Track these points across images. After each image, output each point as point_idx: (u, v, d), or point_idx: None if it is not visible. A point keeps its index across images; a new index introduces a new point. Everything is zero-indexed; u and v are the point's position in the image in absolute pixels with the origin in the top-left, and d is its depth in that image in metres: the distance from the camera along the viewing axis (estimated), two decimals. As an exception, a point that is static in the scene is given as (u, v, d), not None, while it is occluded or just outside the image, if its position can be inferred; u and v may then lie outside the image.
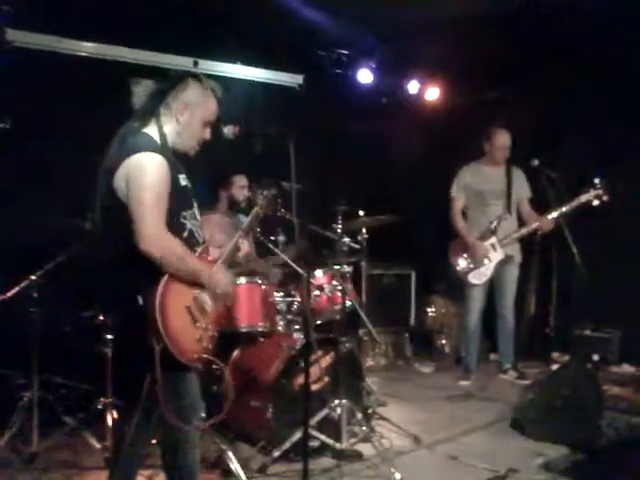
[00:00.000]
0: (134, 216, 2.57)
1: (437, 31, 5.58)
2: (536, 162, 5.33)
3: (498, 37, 5.60)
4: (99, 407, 4.16)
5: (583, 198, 5.37)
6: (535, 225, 5.53)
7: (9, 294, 3.88)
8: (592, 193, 5.35)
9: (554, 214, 5.39)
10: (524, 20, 5.38)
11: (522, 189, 5.81)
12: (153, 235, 2.55)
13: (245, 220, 3.97)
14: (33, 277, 4.00)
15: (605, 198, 5.32)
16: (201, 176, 3.07)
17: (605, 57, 5.78)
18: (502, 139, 5.69)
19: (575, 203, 5.39)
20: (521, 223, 5.79)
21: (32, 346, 4.04)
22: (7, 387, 4.34)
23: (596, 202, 5.34)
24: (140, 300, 2.57)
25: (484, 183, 5.77)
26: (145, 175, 2.58)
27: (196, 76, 2.88)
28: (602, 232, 5.75)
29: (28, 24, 5.16)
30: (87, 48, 5.53)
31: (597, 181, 5.34)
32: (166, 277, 2.59)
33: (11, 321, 4.10)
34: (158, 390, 2.57)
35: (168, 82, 2.85)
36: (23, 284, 3.97)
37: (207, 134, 2.91)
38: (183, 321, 2.65)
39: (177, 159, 2.86)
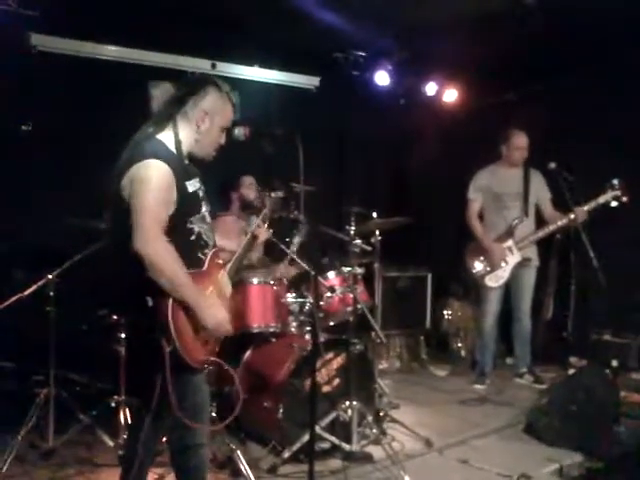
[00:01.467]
0: (133, 218, 2.58)
1: (455, 32, 5.56)
2: (553, 165, 5.27)
3: (517, 37, 5.55)
4: (113, 405, 4.19)
5: (601, 199, 5.32)
6: (567, 219, 5.41)
7: (27, 292, 3.92)
8: (610, 194, 5.30)
9: (587, 207, 5.33)
10: (543, 20, 5.32)
11: (541, 191, 5.77)
12: (146, 236, 2.55)
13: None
14: (50, 276, 4.04)
15: (624, 199, 5.26)
16: (213, 179, 3.09)
17: (626, 58, 5.73)
18: (519, 140, 5.66)
19: (593, 204, 5.33)
20: (539, 226, 5.74)
21: (48, 343, 4.10)
22: (24, 383, 4.42)
23: (614, 203, 5.29)
24: (150, 301, 2.58)
25: (501, 185, 5.73)
26: (149, 180, 2.60)
27: (214, 82, 2.88)
28: (622, 235, 5.69)
29: (51, 28, 5.24)
30: (108, 52, 5.60)
31: (615, 182, 5.29)
32: None
33: (29, 319, 4.16)
34: (168, 391, 2.58)
35: (187, 88, 2.87)
36: (40, 283, 4.01)
37: (223, 139, 2.93)
38: (192, 323, 2.66)
39: (191, 163, 2.88)
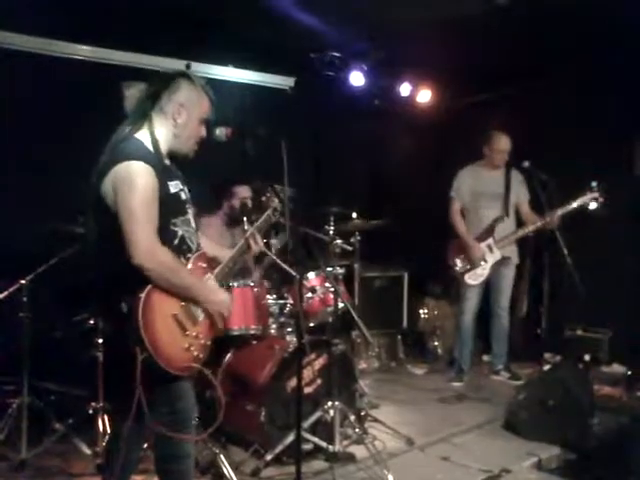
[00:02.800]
0: (125, 229, 2.54)
1: (429, 33, 5.58)
2: (527, 164, 5.34)
3: (490, 39, 5.60)
4: (90, 412, 4.12)
5: (580, 201, 5.37)
6: (541, 223, 5.49)
7: (-2, 298, 3.85)
8: (589, 196, 5.35)
9: (560, 211, 5.38)
10: (516, 21, 5.37)
11: (521, 192, 5.84)
12: (147, 250, 2.53)
13: (247, 225, 3.95)
14: (23, 281, 3.97)
15: (601, 201, 5.32)
16: (198, 180, 3.05)
17: (601, 59, 5.81)
18: (501, 143, 5.72)
19: (572, 206, 5.39)
20: (519, 225, 5.82)
21: (22, 351, 4.01)
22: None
23: (593, 205, 5.34)
24: (124, 308, 2.55)
25: (482, 185, 5.80)
26: (133, 186, 2.55)
27: (187, 75, 2.85)
28: (592, 233, 5.77)
29: (18, 25, 5.14)
30: (79, 51, 5.50)
31: (594, 184, 5.34)
32: (150, 285, 2.55)
33: (2, 325, 4.08)
34: (141, 399, 2.54)
35: (159, 83, 2.81)
36: (12, 288, 3.94)
37: (203, 132, 2.89)
38: (169, 329, 2.61)
39: (173, 164, 2.86)
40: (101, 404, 4.11)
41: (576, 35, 5.43)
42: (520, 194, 5.84)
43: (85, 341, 4.22)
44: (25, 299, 4.00)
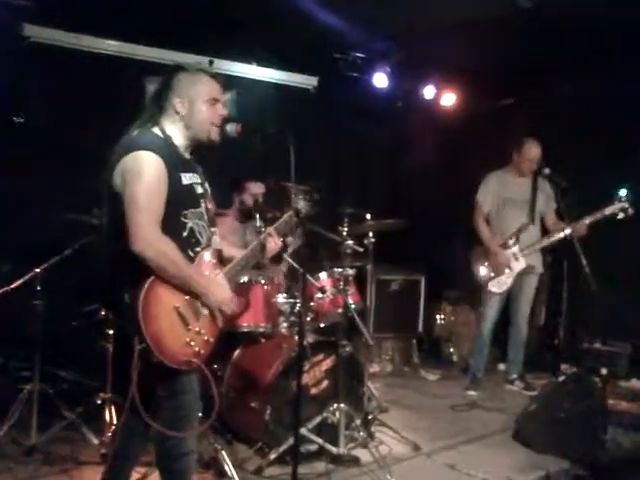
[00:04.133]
0: (128, 217, 2.55)
1: (454, 35, 5.53)
2: (547, 171, 5.25)
3: (515, 41, 5.54)
4: (98, 402, 4.16)
5: (607, 211, 5.24)
6: (563, 233, 5.38)
7: (12, 286, 3.90)
8: (617, 206, 5.20)
9: (589, 220, 5.28)
10: (541, 24, 5.31)
11: (548, 200, 5.74)
12: (147, 238, 2.53)
13: (260, 222, 3.93)
14: (37, 270, 4.01)
15: (630, 212, 5.18)
16: (211, 177, 3.05)
17: (626, 64, 5.70)
18: (532, 152, 5.61)
19: (599, 215, 5.27)
20: (544, 234, 5.73)
21: (34, 339, 4.06)
22: (9, 379, 4.36)
23: (621, 215, 5.20)
24: (127, 298, 2.55)
25: (509, 192, 5.71)
26: (140, 175, 2.57)
27: (180, 67, 2.84)
28: (614, 244, 5.67)
29: (46, 20, 5.20)
30: (104, 45, 5.56)
31: (623, 194, 5.22)
32: (153, 276, 2.55)
33: (15, 313, 4.13)
34: (134, 391, 2.53)
35: (160, 84, 2.84)
36: (27, 276, 3.98)
37: (220, 110, 2.86)
38: (170, 322, 2.60)
39: (192, 158, 2.87)
40: (109, 395, 4.14)
41: (604, 37, 5.34)
42: (547, 202, 5.74)
43: (96, 332, 4.26)
44: (39, 288, 4.04)
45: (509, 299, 5.82)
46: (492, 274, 5.65)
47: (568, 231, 5.35)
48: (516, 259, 5.63)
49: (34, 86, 5.05)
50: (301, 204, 3.38)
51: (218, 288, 2.80)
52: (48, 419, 4.11)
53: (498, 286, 5.66)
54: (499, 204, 5.75)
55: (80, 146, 5.13)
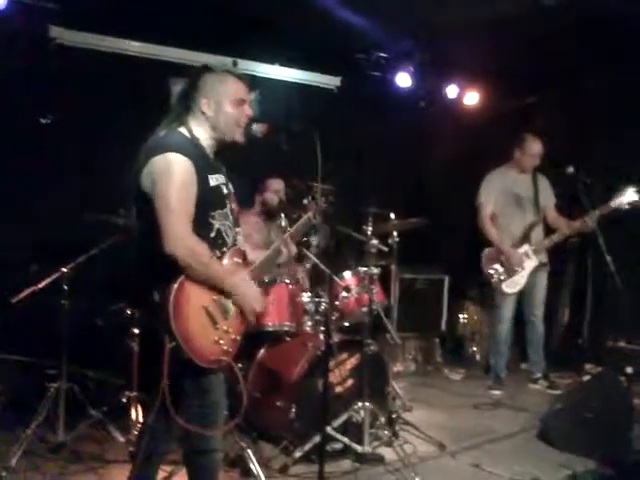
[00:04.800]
0: (160, 218, 2.57)
1: (476, 34, 5.53)
2: (571, 169, 5.20)
3: (538, 41, 5.52)
4: (124, 401, 4.21)
5: (613, 203, 5.19)
6: (578, 225, 5.36)
7: (40, 285, 3.94)
8: (622, 199, 5.16)
9: (598, 212, 5.23)
10: (563, 23, 5.28)
11: (548, 196, 5.74)
12: (178, 238, 2.55)
13: (285, 222, 3.94)
14: (64, 269, 4.06)
15: (636, 204, 5.13)
16: (236, 177, 3.07)
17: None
18: (535, 147, 5.62)
19: (606, 208, 5.22)
20: (547, 230, 5.70)
21: (61, 337, 4.11)
22: (37, 377, 4.41)
23: (627, 207, 5.16)
24: (156, 296, 2.57)
25: (513, 189, 5.69)
26: (170, 176, 2.58)
27: (207, 68, 2.85)
28: (637, 239, 5.63)
29: (71, 21, 5.26)
30: (130, 47, 5.62)
31: (627, 188, 5.17)
32: (183, 276, 2.57)
33: (43, 312, 4.17)
34: (165, 391, 2.55)
35: (187, 85, 2.84)
36: (54, 276, 4.02)
37: (247, 111, 2.88)
38: (200, 321, 2.62)
39: (218, 159, 2.89)
40: (135, 393, 4.19)
41: (624, 37, 5.30)
42: (548, 198, 5.73)
43: (122, 330, 4.30)
44: (66, 287, 4.09)
45: (522, 298, 5.78)
46: (505, 275, 5.61)
47: (578, 225, 5.34)
48: (528, 257, 5.61)
49: (60, 87, 5.10)
50: (319, 204, 3.39)
51: (248, 287, 2.82)
52: (75, 417, 4.16)
53: (512, 286, 5.63)
54: (505, 202, 5.71)
55: (106, 147, 5.18)
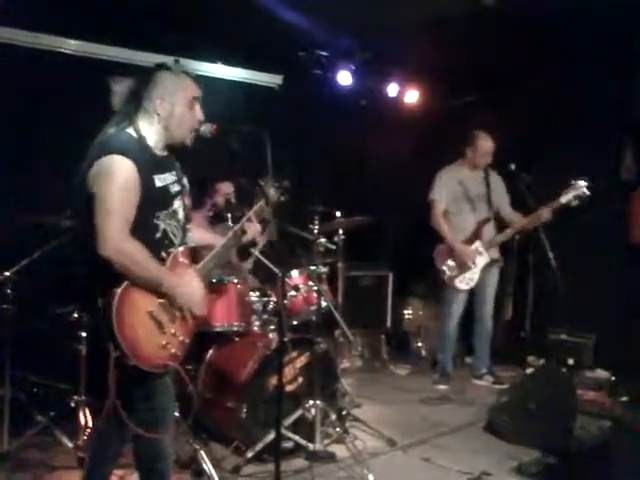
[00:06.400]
0: (97, 219, 2.53)
1: (417, 33, 5.58)
2: (513, 166, 5.27)
3: (477, 40, 5.61)
4: (72, 405, 4.11)
5: (563, 199, 5.27)
6: (530, 219, 5.37)
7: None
8: (572, 194, 5.25)
9: (551, 205, 5.29)
10: (503, 22, 5.39)
11: (502, 193, 5.81)
12: (114, 240, 2.50)
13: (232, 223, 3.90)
14: (7, 273, 3.95)
15: (585, 197, 5.20)
16: (188, 177, 3.03)
17: (589, 59, 5.81)
18: (486, 145, 5.68)
19: (556, 204, 5.30)
20: (500, 226, 5.79)
21: (5, 343, 3.98)
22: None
23: (575, 202, 5.25)
24: (100, 303, 2.53)
25: (465, 186, 5.75)
26: (111, 178, 2.54)
27: (163, 66, 2.82)
28: (578, 237, 5.79)
29: (6, 19, 5.10)
30: (67, 45, 5.48)
31: (579, 182, 5.23)
32: (126, 282, 2.53)
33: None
34: (114, 399, 2.53)
35: (139, 82, 2.80)
36: (-3, 280, 3.91)
37: (199, 114, 2.86)
38: (145, 327, 2.58)
39: (170, 156, 2.85)
40: (83, 397, 4.09)
41: (562, 36, 5.45)
42: (501, 195, 5.81)
43: (68, 334, 4.19)
44: (9, 291, 3.97)
45: (472, 295, 5.86)
46: (457, 271, 5.69)
47: (530, 219, 5.39)
48: (480, 254, 5.69)
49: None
50: (271, 192, 3.36)
51: (188, 288, 2.77)
52: (21, 425, 4.05)
53: (465, 282, 5.70)
54: (457, 200, 5.76)
55: (46, 146, 5.05)
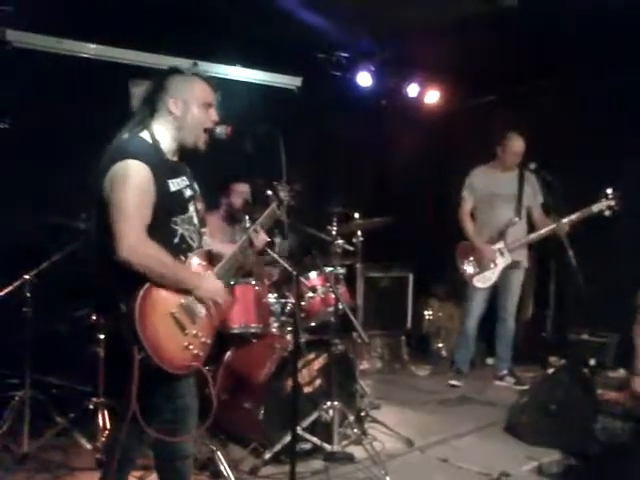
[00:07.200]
0: (114, 224, 2.54)
1: (437, 33, 5.57)
2: (533, 165, 5.25)
3: (498, 40, 5.57)
4: (91, 407, 4.15)
5: (595, 208, 5.25)
6: (550, 228, 5.41)
7: (2, 293, 3.87)
8: (604, 203, 5.22)
9: (568, 218, 5.29)
10: (524, 22, 5.35)
11: (534, 195, 5.75)
12: (131, 244, 2.52)
13: (249, 223, 3.91)
14: (27, 276, 3.99)
15: (616, 209, 5.20)
16: (199, 179, 3.05)
17: (609, 59, 5.74)
18: (516, 145, 5.65)
19: (587, 212, 5.28)
20: (531, 229, 5.76)
21: (24, 345, 4.03)
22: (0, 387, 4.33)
23: (608, 212, 5.23)
24: (123, 308, 2.54)
25: (495, 186, 5.73)
26: (127, 183, 2.56)
27: (175, 69, 2.83)
28: (599, 235, 5.73)
29: (28, 25, 5.17)
30: (87, 49, 5.53)
31: (609, 191, 5.23)
32: (148, 284, 2.55)
33: (4, 320, 4.10)
34: (141, 398, 2.54)
35: (152, 86, 2.81)
36: (16, 283, 3.95)
37: (213, 115, 2.87)
38: (167, 329, 2.60)
39: (183, 161, 2.87)
40: (102, 399, 4.13)
41: (584, 37, 5.39)
42: (533, 197, 5.76)
43: (87, 337, 4.24)
44: (28, 294, 4.01)
45: (495, 295, 5.84)
46: (477, 269, 5.68)
47: (553, 227, 5.36)
48: (501, 254, 5.65)
49: (18, 91, 5.00)
50: (282, 195, 3.36)
51: (209, 281, 2.80)
52: (40, 426, 4.09)
53: (483, 281, 5.68)
54: (486, 199, 5.75)
55: (66, 150, 5.10)
